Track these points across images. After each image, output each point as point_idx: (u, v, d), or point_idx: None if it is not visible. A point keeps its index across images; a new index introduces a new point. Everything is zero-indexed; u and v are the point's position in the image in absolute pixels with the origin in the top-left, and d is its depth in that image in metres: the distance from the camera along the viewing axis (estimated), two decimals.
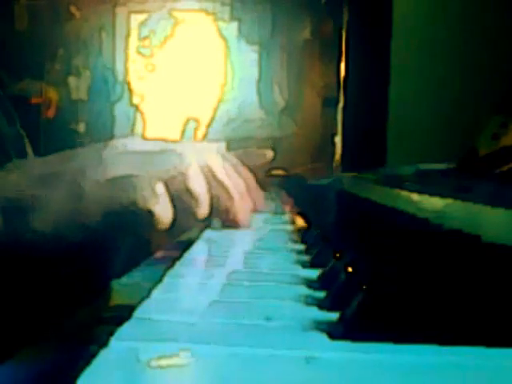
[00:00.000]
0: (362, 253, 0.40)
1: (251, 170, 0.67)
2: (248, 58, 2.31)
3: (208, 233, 0.62)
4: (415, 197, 0.67)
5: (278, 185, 1.49)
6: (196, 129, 2.33)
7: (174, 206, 0.55)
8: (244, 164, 0.66)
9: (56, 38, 2.32)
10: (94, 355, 0.23)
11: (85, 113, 2.33)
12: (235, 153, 0.68)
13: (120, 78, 2.34)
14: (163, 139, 0.62)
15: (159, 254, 0.67)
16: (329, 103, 2.17)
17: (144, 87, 2.34)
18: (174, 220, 0.55)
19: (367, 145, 1.69)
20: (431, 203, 0.61)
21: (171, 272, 0.41)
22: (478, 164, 0.80)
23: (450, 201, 0.57)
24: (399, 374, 0.23)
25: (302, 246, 0.52)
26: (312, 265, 0.43)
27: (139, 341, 0.26)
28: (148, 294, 0.34)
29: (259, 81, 2.31)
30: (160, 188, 0.54)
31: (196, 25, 2.34)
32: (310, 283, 0.37)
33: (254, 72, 2.31)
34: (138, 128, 2.34)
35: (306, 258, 0.47)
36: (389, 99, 1.60)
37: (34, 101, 2.29)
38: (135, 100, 2.34)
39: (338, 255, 0.38)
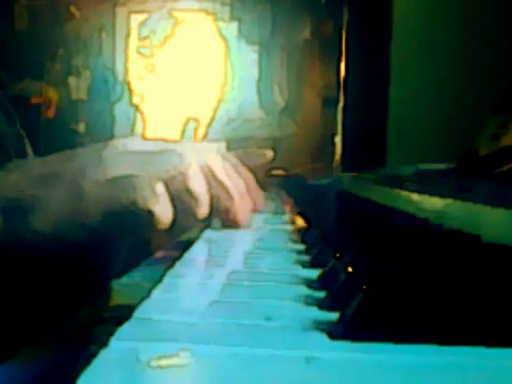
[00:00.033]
0: (362, 253, 0.40)
1: (251, 170, 0.67)
2: (248, 57, 2.31)
3: (208, 233, 0.62)
4: (415, 197, 0.67)
5: (278, 185, 1.49)
6: (196, 129, 2.33)
7: (174, 206, 0.55)
8: (244, 164, 0.66)
9: (56, 38, 2.32)
10: (94, 355, 0.23)
11: (85, 113, 2.33)
12: (235, 153, 0.68)
13: (120, 78, 2.34)
14: (163, 139, 0.62)
15: (159, 254, 0.67)
16: (329, 103, 2.17)
17: (144, 87, 2.34)
18: (174, 220, 0.55)
19: (367, 145, 1.69)
20: (431, 203, 0.61)
21: (171, 272, 0.41)
22: (478, 164, 0.80)
23: (449, 201, 0.57)
24: (399, 373, 0.23)
25: (302, 246, 0.52)
26: (312, 265, 0.43)
27: (139, 341, 0.26)
28: (148, 294, 0.34)
29: (259, 81, 2.31)
30: (160, 188, 0.54)
31: (196, 25, 2.34)
32: (309, 283, 0.37)
33: (254, 72, 2.31)
34: (138, 128, 2.34)
35: (306, 257, 0.47)
36: (389, 99, 1.60)
37: (34, 101, 2.29)
38: (135, 100, 2.34)
39: (337, 255, 0.38)
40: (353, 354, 0.24)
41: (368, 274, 0.31)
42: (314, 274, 0.39)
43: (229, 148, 0.67)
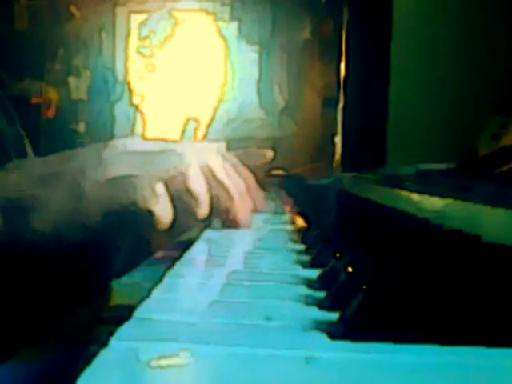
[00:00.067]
0: (362, 253, 0.40)
1: (251, 170, 0.67)
2: (248, 57, 2.31)
3: (208, 233, 0.62)
4: (415, 197, 0.67)
5: (278, 185, 1.49)
6: (196, 129, 2.33)
7: (174, 206, 0.55)
8: (244, 164, 0.66)
9: (56, 37, 2.32)
10: (94, 355, 0.23)
11: (85, 113, 2.33)
12: (235, 153, 0.68)
13: (120, 78, 2.34)
14: (163, 139, 0.62)
15: (159, 254, 0.67)
16: (329, 103, 2.17)
17: (144, 87, 2.34)
18: (174, 220, 0.55)
19: (367, 145, 1.69)
20: (431, 203, 0.61)
21: (171, 272, 0.41)
22: (478, 164, 0.80)
23: (449, 201, 0.57)
24: (399, 373, 0.23)
25: (302, 246, 0.52)
26: (312, 265, 0.43)
27: (139, 341, 0.26)
28: (148, 294, 0.34)
29: (259, 81, 2.31)
30: (160, 188, 0.54)
31: (196, 25, 2.34)
32: (309, 283, 0.37)
33: (254, 72, 2.31)
34: (138, 128, 2.34)
35: (306, 257, 0.47)
36: (389, 99, 1.60)
37: (34, 101, 2.29)
38: (135, 100, 2.34)
39: (338, 255, 0.38)
40: (353, 353, 0.24)
41: (368, 274, 0.31)
42: (313, 274, 0.39)
43: (229, 148, 0.67)
